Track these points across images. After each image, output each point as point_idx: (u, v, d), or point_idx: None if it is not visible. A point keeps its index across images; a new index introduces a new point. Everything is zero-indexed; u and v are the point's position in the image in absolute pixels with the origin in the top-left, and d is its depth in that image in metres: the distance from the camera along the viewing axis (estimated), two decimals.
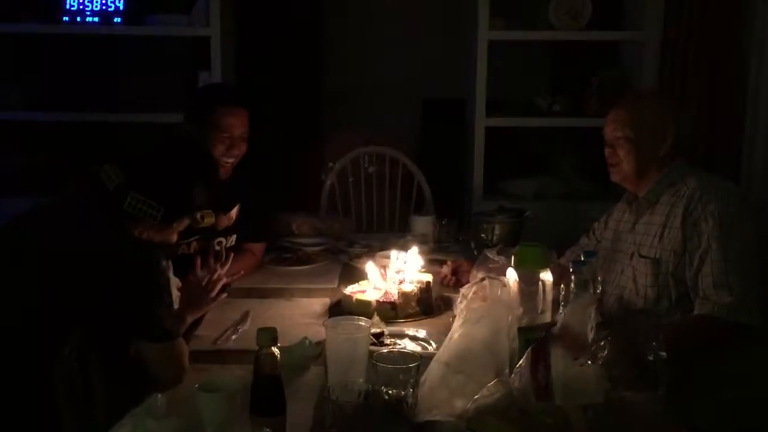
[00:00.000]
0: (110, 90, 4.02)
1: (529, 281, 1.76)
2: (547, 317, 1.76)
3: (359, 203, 3.82)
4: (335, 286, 2.57)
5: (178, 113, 2.72)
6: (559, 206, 3.76)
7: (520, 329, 1.60)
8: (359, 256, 2.81)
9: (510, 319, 1.57)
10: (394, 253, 2.48)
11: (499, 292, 1.62)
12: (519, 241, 2.92)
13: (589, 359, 1.23)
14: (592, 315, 1.30)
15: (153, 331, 1.73)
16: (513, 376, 1.26)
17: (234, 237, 2.71)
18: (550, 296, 1.79)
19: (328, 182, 3.77)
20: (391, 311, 2.22)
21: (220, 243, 2.65)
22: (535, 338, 1.52)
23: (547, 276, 1.79)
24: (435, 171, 4.01)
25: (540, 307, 1.77)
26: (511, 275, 1.79)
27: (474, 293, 1.62)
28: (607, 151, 2.33)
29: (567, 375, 1.19)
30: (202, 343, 2.04)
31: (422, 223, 3.18)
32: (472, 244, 2.94)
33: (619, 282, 2.31)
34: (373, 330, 2.00)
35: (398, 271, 2.36)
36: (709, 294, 2.06)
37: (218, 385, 1.53)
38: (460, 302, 1.62)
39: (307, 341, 1.89)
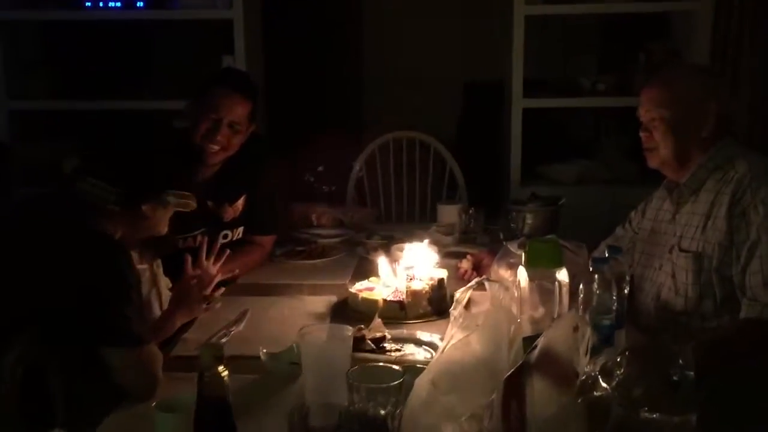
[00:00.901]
0: (136, 77, 3.91)
1: (541, 282, 1.54)
2: None
3: (388, 192, 3.61)
4: (347, 282, 2.36)
5: None
6: (602, 192, 3.53)
7: (525, 339, 1.37)
8: (376, 249, 2.60)
9: (513, 328, 1.34)
10: (407, 246, 2.27)
11: (501, 297, 1.39)
12: (554, 231, 2.70)
13: (578, 394, 0.99)
14: (586, 335, 1.07)
15: (120, 335, 1.56)
16: (485, 410, 1.04)
17: (241, 229, 2.54)
18: (567, 299, 1.57)
19: (356, 169, 3.58)
20: (399, 311, 2.02)
21: (226, 236, 2.49)
22: None
23: (563, 276, 1.57)
24: (475, 156, 3.80)
25: (555, 311, 1.55)
26: (522, 275, 1.57)
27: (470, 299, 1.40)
28: (642, 135, 2.08)
29: (546, 415, 0.96)
30: (188, 348, 1.86)
31: (449, 212, 2.96)
32: (501, 235, 2.71)
33: (656, 279, 2.07)
34: (374, 334, 1.82)
35: (409, 267, 2.14)
36: (757, 294, 1.82)
37: (179, 403, 1.36)
38: (454, 308, 1.40)
39: (295, 347, 1.69)
